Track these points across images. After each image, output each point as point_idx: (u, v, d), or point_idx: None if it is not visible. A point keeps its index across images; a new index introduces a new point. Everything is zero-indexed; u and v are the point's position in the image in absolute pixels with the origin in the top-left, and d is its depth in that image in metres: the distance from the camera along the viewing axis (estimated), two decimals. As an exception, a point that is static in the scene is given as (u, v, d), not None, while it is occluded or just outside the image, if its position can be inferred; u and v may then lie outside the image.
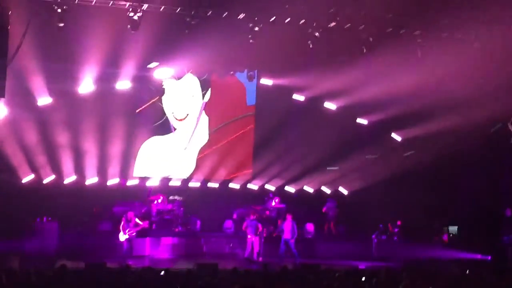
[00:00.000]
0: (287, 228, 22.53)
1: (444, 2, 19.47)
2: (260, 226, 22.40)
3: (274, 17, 20.35)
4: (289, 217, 22.74)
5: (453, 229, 26.84)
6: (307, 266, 17.65)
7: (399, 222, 24.88)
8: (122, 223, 21.25)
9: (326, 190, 27.95)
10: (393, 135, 27.55)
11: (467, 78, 22.10)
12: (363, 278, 14.95)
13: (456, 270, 16.42)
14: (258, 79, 26.78)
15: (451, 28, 20.89)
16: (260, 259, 21.95)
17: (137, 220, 21.44)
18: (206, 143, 26.77)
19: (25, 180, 23.57)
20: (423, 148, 25.59)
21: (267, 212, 25.34)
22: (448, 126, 24.25)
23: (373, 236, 24.58)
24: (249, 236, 22.28)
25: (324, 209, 26.20)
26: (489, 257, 23.94)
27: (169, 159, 26.26)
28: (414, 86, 22.73)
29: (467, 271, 15.88)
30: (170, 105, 26.18)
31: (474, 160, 25.50)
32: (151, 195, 24.67)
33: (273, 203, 25.62)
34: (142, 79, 25.02)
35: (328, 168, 27.07)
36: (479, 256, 24.06)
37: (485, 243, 24.37)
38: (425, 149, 25.41)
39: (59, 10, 18.76)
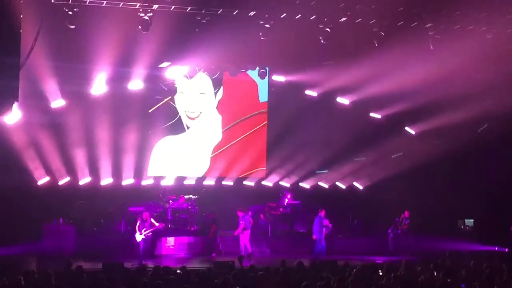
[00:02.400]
0: (315, 227, 22.64)
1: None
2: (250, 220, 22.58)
3: (285, 14, 20.33)
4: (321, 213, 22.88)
5: (469, 222, 26.71)
6: (324, 261, 17.62)
7: (406, 214, 24.61)
8: (138, 223, 21.29)
9: (341, 185, 27.87)
10: (407, 128, 27.44)
11: (480, 69, 22.02)
12: (380, 272, 14.97)
13: (474, 263, 16.32)
14: (270, 76, 26.76)
15: (463, 19, 20.79)
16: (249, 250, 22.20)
17: (152, 220, 21.46)
18: (220, 141, 26.79)
19: (40, 182, 23.66)
20: (438, 141, 25.49)
21: (281, 209, 25.29)
22: (463, 118, 24.17)
23: (389, 231, 24.49)
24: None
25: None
26: (506, 250, 23.83)
27: (183, 158, 26.28)
28: (427, 79, 22.69)
29: (485, 264, 15.81)
30: (183, 104, 26.21)
31: (489, 152, 25.40)
32: (168, 195, 24.62)
33: (286, 200, 25.54)
34: (154, 79, 25.07)
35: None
36: (496, 249, 23.96)
37: (502, 235, 24.27)
38: (440, 141, 25.30)
39: (70, 13, 18.87)
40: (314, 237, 22.60)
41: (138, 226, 21.20)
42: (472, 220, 26.57)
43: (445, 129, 25.11)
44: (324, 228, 22.72)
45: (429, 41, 21.30)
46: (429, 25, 21.04)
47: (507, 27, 20.85)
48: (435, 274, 14.80)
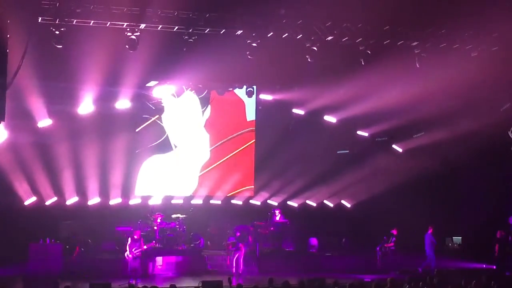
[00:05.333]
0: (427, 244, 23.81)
1: (441, 13, 19.51)
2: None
3: (272, 33, 20.40)
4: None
5: (457, 239, 26.76)
6: (311, 279, 17.54)
7: (395, 231, 24.59)
8: (129, 241, 21.18)
9: (329, 203, 27.88)
10: (395, 146, 27.54)
11: (465, 88, 22.14)
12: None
13: (462, 280, 16.31)
14: (258, 95, 26.81)
15: (449, 38, 20.95)
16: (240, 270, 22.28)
17: (142, 243, 21.34)
18: (208, 160, 26.76)
19: (27, 202, 23.53)
20: (424, 158, 25.56)
21: (272, 228, 25.23)
22: (449, 135, 24.29)
23: (377, 248, 24.47)
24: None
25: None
26: (494, 267, 23.87)
27: (170, 177, 26.23)
28: (413, 97, 22.77)
29: (473, 282, 15.80)
30: (170, 123, 26.20)
31: (475, 169, 25.49)
32: (153, 214, 24.55)
33: (277, 217, 25.46)
34: (142, 98, 25.11)
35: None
36: (483, 266, 24.00)
37: (489, 252, 24.33)
38: (426, 159, 25.38)
39: (57, 32, 18.85)
40: (427, 253, 23.75)
41: (129, 245, 21.09)
42: (460, 238, 26.61)
43: (433, 147, 25.20)
44: (433, 245, 23.78)
45: (415, 59, 21.43)
46: (415, 43, 21.19)
47: (492, 46, 21.02)
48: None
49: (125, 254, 21.09)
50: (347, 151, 27.44)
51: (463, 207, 25.83)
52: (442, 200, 26.08)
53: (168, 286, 15.57)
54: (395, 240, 24.29)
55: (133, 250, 20.97)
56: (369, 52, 21.16)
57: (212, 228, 26.21)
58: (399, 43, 21.21)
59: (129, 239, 21.24)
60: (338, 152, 27.34)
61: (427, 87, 22.23)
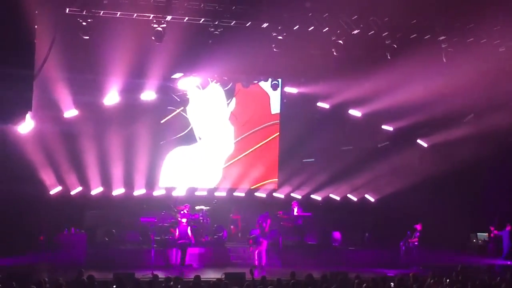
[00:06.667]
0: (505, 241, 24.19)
1: (468, 7, 19.35)
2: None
3: (298, 26, 20.38)
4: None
5: (482, 235, 26.55)
6: (334, 273, 17.55)
7: (419, 227, 24.43)
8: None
9: (353, 197, 27.81)
10: (419, 141, 27.39)
11: (492, 83, 21.97)
12: (392, 285, 14.92)
13: (487, 276, 16.24)
14: (283, 88, 26.79)
15: (476, 32, 20.77)
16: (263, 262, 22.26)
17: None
18: (232, 152, 26.81)
19: (53, 192, 23.73)
20: (449, 153, 25.40)
21: (295, 222, 25.21)
22: (475, 130, 24.11)
23: (401, 243, 24.36)
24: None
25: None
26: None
27: (194, 169, 26.31)
28: (439, 91, 22.64)
29: (498, 278, 15.73)
30: (195, 115, 26.26)
31: (501, 165, 25.29)
32: (179, 205, 24.66)
33: (295, 211, 25.42)
34: (167, 90, 25.13)
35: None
36: (509, 263, 23.81)
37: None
38: (452, 154, 25.22)
39: (84, 24, 18.98)
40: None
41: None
42: (485, 234, 26.41)
43: (458, 141, 25.02)
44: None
45: (442, 54, 21.27)
46: (442, 37, 21.03)
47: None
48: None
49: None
50: (351, 148, 27.22)
51: (488, 203, 25.62)
52: (467, 196, 25.88)
53: (193, 277, 15.68)
54: (419, 235, 24.16)
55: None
56: (395, 46, 21.05)
57: (235, 213, 26.25)
58: (425, 37, 21.07)
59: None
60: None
61: (453, 82, 22.07)
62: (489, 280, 15.65)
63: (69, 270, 17.76)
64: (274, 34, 20.60)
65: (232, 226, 25.85)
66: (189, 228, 22.33)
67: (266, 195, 27.21)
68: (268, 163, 27.12)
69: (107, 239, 23.26)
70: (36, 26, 17.10)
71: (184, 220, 22.44)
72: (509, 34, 20.58)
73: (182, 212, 23.70)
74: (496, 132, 23.79)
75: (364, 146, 26.72)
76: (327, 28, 20.55)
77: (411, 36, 20.99)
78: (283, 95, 27.02)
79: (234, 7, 19.50)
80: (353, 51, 21.45)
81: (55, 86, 21.84)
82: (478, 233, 26.53)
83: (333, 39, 20.86)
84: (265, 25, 20.42)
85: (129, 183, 24.96)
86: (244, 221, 25.88)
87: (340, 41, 20.86)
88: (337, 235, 25.60)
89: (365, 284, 14.34)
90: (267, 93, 27.00)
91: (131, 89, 23.90)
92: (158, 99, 25.01)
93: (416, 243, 24.02)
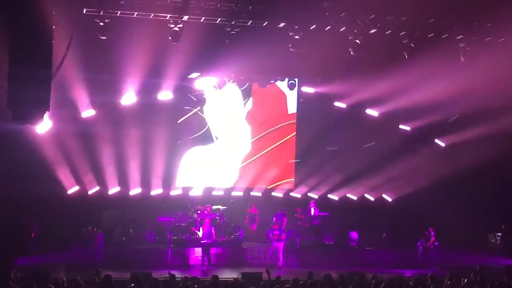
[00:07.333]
0: None
1: (487, 7, 19.22)
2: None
3: (314, 25, 20.36)
4: None
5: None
6: (351, 273, 17.49)
7: (432, 231, 24.27)
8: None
9: (370, 197, 27.73)
10: (437, 141, 27.27)
11: (510, 82, 21.83)
12: (410, 285, 14.83)
13: (505, 277, 16.12)
14: (299, 87, 26.75)
15: (494, 31, 20.65)
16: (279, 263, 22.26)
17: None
18: (248, 152, 26.81)
19: (70, 191, 23.84)
20: (466, 153, 25.25)
21: (311, 221, 25.18)
22: (492, 130, 23.95)
23: (418, 244, 24.25)
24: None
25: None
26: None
27: (211, 169, 26.34)
28: (457, 91, 22.51)
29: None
30: (212, 114, 26.29)
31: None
32: (196, 205, 24.69)
33: (312, 211, 25.39)
34: (184, 90, 25.21)
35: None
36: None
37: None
38: (469, 154, 25.07)
39: (101, 24, 19.06)
40: None
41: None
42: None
43: (475, 141, 24.87)
44: None
45: (459, 53, 21.17)
46: (459, 37, 20.96)
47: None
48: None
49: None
50: (373, 143, 27.11)
51: (507, 203, 25.44)
52: (485, 196, 25.72)
53: (210, 277, 15.67)
54: (433, 239, 24.05)
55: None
56: (413, 45, 20.96)
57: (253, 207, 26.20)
58: (443, 36, 20.97)
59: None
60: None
61: (471, 82, 21.93)
62: (508, 280, 15.52)
63: (87, 270, 17.80)
64: (291, 33, 20.59)
65: (248, 220, 25.66)
66: (212, 228, 22.34)
67: (282, 195, 27.19)
68: (285, 162, 27.10)
69: (124, 238, 23.33)
70: (53, 27, 17.15)
71: (207, 220, 22.48)
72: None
73: (205, 212, 23.73)
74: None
75: (381, 145, 26.60)
76: (344, 28, 20.52)
77: (429, 36, 20.90)
78: (300, 95, 26.98)
79: (250, 7, 19.50)
80: (370, 51, 21.36)
81: (73, 86, 21.96)
82: (496, 233, 26.37)
83: (350, 38, 20.83)
84: (281, 24, 20.41)
85: (146, 183, 25.03)
86: (261, 218, 25.82)
87: (357, 41, 20.82)
88: (354, 235, 25.51)
89: (382, 284, 14.27)
90: (283, 93, 26.98)
91: (148, 89, 23.99)
92: (175, 99, 25.08)
93: (436, 243, 23.91)
